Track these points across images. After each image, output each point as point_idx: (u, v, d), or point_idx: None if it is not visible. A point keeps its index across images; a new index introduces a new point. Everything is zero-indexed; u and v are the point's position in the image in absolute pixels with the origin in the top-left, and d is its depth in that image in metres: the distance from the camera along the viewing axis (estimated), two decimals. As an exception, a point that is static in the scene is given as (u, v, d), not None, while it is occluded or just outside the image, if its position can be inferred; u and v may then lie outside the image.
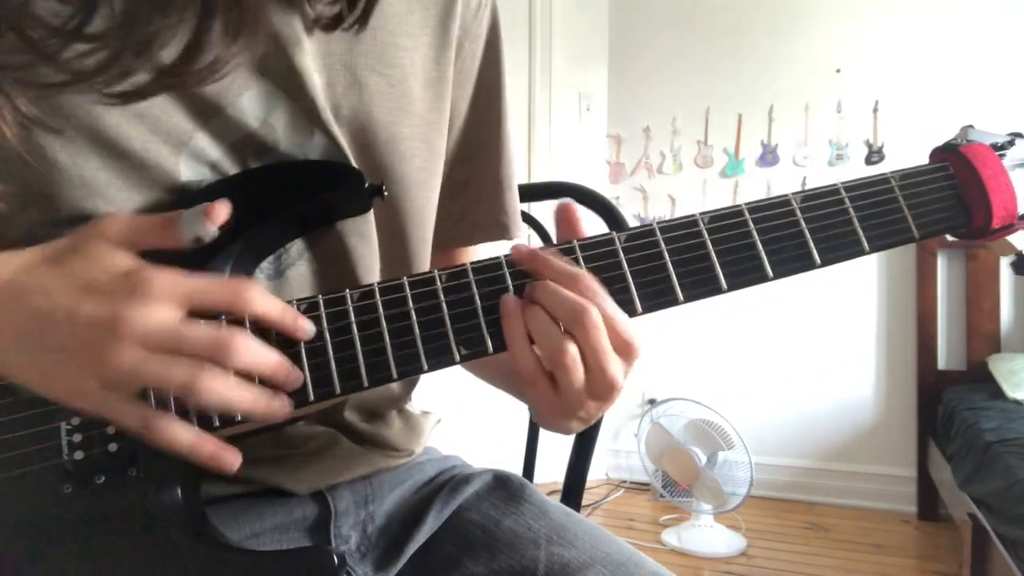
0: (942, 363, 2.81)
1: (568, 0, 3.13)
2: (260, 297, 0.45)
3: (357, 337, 0.47)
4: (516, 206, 0.73)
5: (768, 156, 3.06)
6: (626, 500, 3.07)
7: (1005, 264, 2.75)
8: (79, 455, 0.47)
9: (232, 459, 0.44)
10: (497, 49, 0.69)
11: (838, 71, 2.94)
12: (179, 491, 0.48)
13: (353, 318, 0.48)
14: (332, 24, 0.54)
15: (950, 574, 2.32)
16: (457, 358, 0.48)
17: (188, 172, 0.51)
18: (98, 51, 0.46)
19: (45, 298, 0.42)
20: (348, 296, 0.48)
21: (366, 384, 0.47)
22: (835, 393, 2.97)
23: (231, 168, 0.53)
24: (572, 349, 0.46)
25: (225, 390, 0.42)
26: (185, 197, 0.51)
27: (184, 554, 0.48)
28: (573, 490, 0.92)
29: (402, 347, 0.47)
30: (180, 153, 0.51)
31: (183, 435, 0.43)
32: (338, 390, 0.46)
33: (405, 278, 0.49)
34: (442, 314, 0.48)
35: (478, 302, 0.48)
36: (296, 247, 0.56)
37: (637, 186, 3.26)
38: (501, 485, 0.70)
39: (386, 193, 0.54)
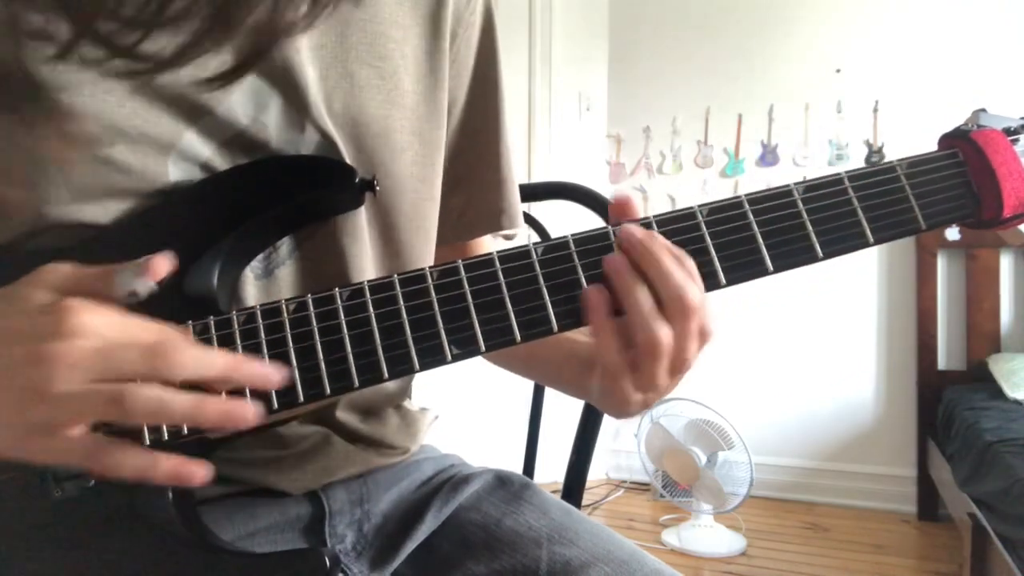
0: (942, 363, 2.80)
1: (568, 0, 3.13)
2: (186, 357, 0.40)
3: (347, 337, 0.47)
4: (517, 197, 0.72)
5: (768, 156, 3.06)
6: (626, 500, 3.07)
7: (1005, 264, 2.74)
8: None
9: (196, 473, 0.41)
10: (492, 38, 0.68)
11: (838, 71, 2.94)
12: (170, 492, 0.48)
13: (343, 318, 0.47)
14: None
15: (950, 574, 2.31)
16: (449, 358, 0.47)
17: (177, 173, 0.51)
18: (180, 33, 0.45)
19: None
20: (337, 295, 0.48)
21: (356, 385, 0.46)
22: (835, 393, 2.96)
23: (222, 167, 0.52)
24: (668, 335, 0.45)
25: (158, 398, 0.39)
26: (175, 197, 0.51)
27: (176, 555, 0.48)
28: (573, 490, 0.92)
29: (393, 347, 0.47)
30: (167, 155, 0.50)
31: (132, 460, 0.40)
32: (328, 391, 0.46)
33: (395, 276, 0.48)
34: (433, 312, 0.47)
35: (470, 300, 0.48)
36: (286, 246, 0.56)
37: (637, 186, 3.25)
38: (502, 485, 0.70)
39: (378, 188, 0.54)
